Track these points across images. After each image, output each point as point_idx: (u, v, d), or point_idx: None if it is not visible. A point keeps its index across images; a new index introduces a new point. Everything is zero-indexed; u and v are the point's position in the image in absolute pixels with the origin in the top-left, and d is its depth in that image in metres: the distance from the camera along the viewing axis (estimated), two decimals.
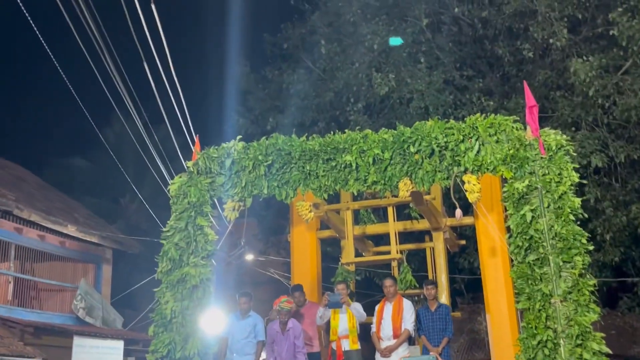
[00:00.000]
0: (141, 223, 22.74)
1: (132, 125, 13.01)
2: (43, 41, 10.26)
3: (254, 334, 8.30)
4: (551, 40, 14.85)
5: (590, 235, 6.63)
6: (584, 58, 14.33)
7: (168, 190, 8.04)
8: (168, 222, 7.74)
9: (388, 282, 8.44)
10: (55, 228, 14.76)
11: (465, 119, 7.28)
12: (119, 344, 14.43)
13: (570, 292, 6.30)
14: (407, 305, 8.34)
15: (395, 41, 14.42)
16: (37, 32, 10.23)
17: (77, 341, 13.32)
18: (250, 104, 19.52)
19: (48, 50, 10.35)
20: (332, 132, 7.73)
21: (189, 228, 7.59)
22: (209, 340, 7.45)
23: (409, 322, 8.20)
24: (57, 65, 10.58)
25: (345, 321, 8.25)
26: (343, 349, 8.25)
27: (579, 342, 6.16)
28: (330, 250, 16.25)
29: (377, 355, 8.30)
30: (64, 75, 10.84)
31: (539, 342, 6.26)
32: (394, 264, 9.90)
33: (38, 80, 36.39)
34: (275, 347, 8.18)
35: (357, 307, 8.43)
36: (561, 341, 6.21)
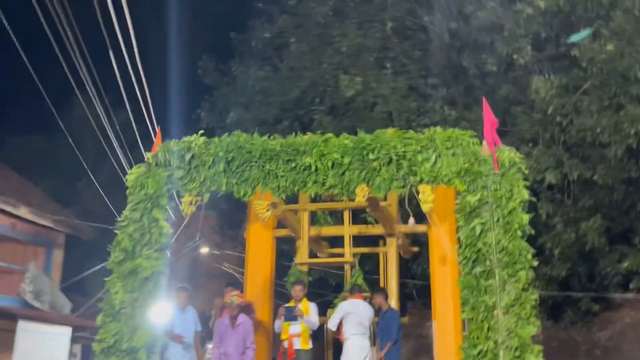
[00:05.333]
0: (97, 209, 22.41)
1: (94, 109, 12.87)
2: (2, 17, 10.06)
3: (194, 326, 8.52)
4: (515, 56, 15.16)
5: (539, 250, 6.86)
6: (546, 76, 14.68)
7: (126, 179, 8.00)
8: (123, 212, 7.70)
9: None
10: (7, 209, 14.51)
11: (427, 127, 7.44)
12: (67, 330, 14.27)
13: (512, 305, 6.50)
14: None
15: None
16: None
17: (22, 325, 13.13)
18: (214, 99, 19.43)
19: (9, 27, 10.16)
20: (295, 131, 7.81)
21: (144, 220, 7.55)
22: (156, 333, 7.45)
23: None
24: (17, 44, 10.38)
25: (298, 324, 8.41)
26: (294, 348, 8.38)
27: (517, 353, 6.37)
28: (285, 249, 16.33)
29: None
30: (23, 54, 10.65)
31: (479, 352, 6.45)
32: (347, 266, 10.04)
33: None
34: (222, 342, 8.21)
35: (312, 313, 8.54)
36: (501, 352, 6.41)
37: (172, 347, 8.30)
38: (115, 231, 7.63)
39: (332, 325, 8.66)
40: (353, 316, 8.51)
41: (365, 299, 9.59)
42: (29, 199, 15.94)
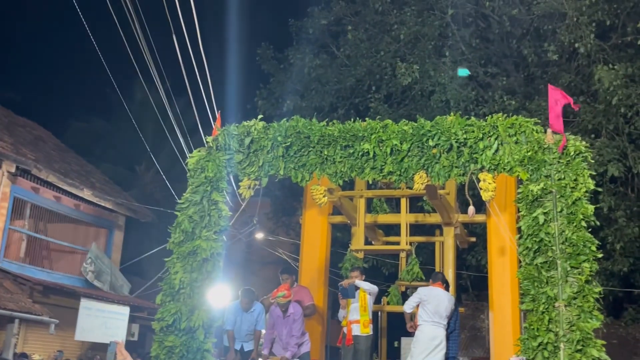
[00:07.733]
0: (155, 192, 22.97)
1: (155, 95, 13.16)
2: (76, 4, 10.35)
3: (255, 324, 8.71)
4: (577, 45, 14.71)
5: (600, 244, 6.65)
6: (610, 65, 14.19)
7: (186, 164, 8.13)
8: (184, 194, 7.83)
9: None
10: (71, 190, 14.98)
11: (486, 117, 7.28)
12: (125, 310, 14.67)
13: (575, 298, 6.33)
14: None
15: (462, 72, 15.42)
16: None
17: (84, 303, 13.58)
18: (271, 87, 19.54)
19: (80, 13, 10.43)
20: (351, 119, 7.76)
21: (204, 202, 7.67)
22: (214, 313, 7.58)
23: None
24: (87, 29, 10.67)
25: (357, 306, 8.40)
26: (353, 334, 8.39)
27: (579, 347, 6.20)
28: (340, 236, 16.38)
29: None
30: (93, 40, 10.93)
31: (539, 344, 6.32)
32: (403, 255, 9.98)
33: (64, 42, 36.59)
34: (275, 330, 8.32)
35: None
36: (561, 345, 6.26)
37: (237, 339, 8.60)
38: (175, 213, 7.77)
39: (407, 308, 8.38)
40: (429, 304, 8.12)
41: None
42: (92, 182, 16.41)
